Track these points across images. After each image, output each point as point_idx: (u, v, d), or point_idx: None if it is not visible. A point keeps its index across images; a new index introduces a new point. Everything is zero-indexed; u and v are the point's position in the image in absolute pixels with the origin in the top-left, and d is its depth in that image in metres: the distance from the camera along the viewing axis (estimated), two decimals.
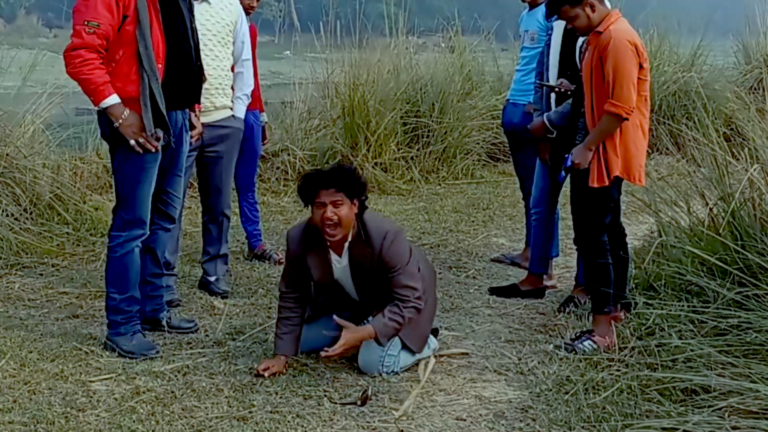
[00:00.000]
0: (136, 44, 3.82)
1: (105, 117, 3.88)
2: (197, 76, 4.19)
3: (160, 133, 3.93)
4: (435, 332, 4.25)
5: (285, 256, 4.11)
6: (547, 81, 4.93)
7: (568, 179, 4.47)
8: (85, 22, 3.74)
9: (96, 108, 3.89)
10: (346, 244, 3.89)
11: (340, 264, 3.94)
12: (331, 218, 3.74)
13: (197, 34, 4.18)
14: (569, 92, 4.63)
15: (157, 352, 4.05)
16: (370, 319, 4.00)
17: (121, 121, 3.82)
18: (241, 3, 5.10)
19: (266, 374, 3.82)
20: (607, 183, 4.14)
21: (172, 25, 3.99)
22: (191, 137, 4.34)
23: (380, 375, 3.89)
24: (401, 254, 3.87)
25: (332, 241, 3.83)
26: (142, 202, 3.99)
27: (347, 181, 3.79)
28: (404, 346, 3.93)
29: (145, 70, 3.83)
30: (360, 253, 3.87)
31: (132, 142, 3.85)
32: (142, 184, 3.96)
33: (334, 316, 3.91)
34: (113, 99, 3.80)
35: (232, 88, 4.95)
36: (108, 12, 3.76)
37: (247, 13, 5.31)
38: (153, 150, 3.91)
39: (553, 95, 4.90)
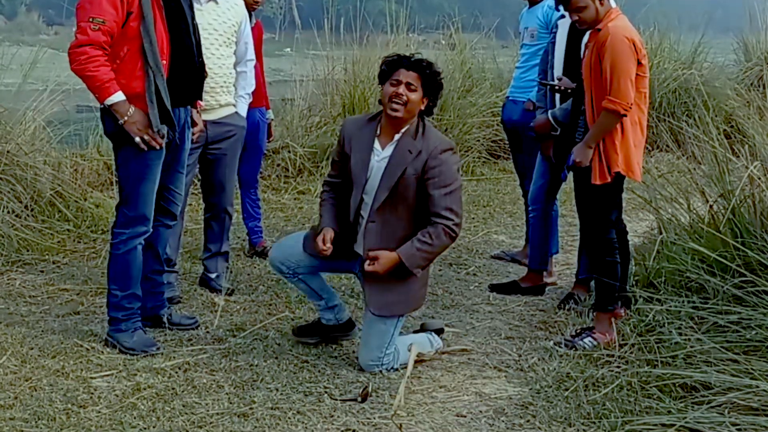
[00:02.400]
0: (141, 40, 3.82)
1: (109, 114, 3.87)
2: (199, 72, 4.19)
3: (165, 130, 3.93)
4: (440, 332, 4.25)
5: (336, 144, 4.10)
6: (551, 79, 4.93)
7: (570, 177, 4.47)
8: (90, 19, 3.73)
9: (100, 105, 3.89)
10: (397, 136, 3.87)
11: (379, 156, 3.88)
12: (402, 96, 3.79)
13: (198, 31, 4.19)
14: (569, 90, 4.63)
15: (158, 348, 4.06)
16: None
17: (126, 118, 3.82)
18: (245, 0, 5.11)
19: (326, 243, 3.82)
20: (609, 179, 4.15)
21: (174, 21, 3.99)
22: (193, 134, 4.35)
23: (380, 372, 3.90)
24: (452, 172, 3.83)
25: (393, 117, 3.81)
26: (145, 199, 4.00)
27: (429, 75, 3.85)
28: (366, 306, 3.91)
29: (150, 66, 3.83)
30: (407, 148, 3.82)
31: (137, 139, 3.85)
32: (146, 181, 3.96)
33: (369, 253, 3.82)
34: (118, 96, 3.80)
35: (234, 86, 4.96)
36: (113, 8, 3.76)
37: (253, 9, 5.31)
38: (157, 147, 3.92)
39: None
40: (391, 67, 3.87)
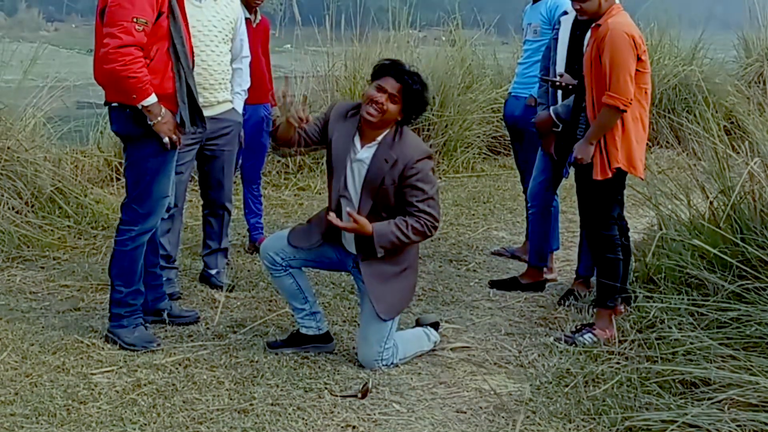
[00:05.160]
0: (170, 40, 3.84)
1: (123, 113, 3.87)
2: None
3: (192, 129, 4.01)
4: (436, 326, 4.26)
5: (321, 115, 4.06)
6: (553, 76, 4.92)
7: (572, 174, 4.47)
8: (134, 19, 3.70)
9: (111, 104, 3.89)
10: (376, 141, 3.86)
11: (356, 153, 3.87)
12: (380, 104, 3.78)
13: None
14: (570, 86, 4.63)
15: (158, 344, 4.07)
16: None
17: (159, 119, 3.83)
18: None
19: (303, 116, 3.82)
20: (610, 175, 4.15)
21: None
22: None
23: (380, 368, 3.90)
24: (428, 179, 3.84)
25: (366, 120, 3.81)
26: (160, 195, 4.02)
27: (413, 93, 3.82)
28: (373, 308, 3.86)
29: (181, 65, 3.86)
30: (384, 157, 3.82)
31: (165, 139, 3.88)
32: (162, 178, 3.99)
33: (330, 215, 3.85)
34: (154, 97, 3.80)
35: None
36: (150, 9, 3.76)
37: (256, 5, 5.31)
38: (178, 145, 3.97)
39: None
40: (383, 70, 3.87)
